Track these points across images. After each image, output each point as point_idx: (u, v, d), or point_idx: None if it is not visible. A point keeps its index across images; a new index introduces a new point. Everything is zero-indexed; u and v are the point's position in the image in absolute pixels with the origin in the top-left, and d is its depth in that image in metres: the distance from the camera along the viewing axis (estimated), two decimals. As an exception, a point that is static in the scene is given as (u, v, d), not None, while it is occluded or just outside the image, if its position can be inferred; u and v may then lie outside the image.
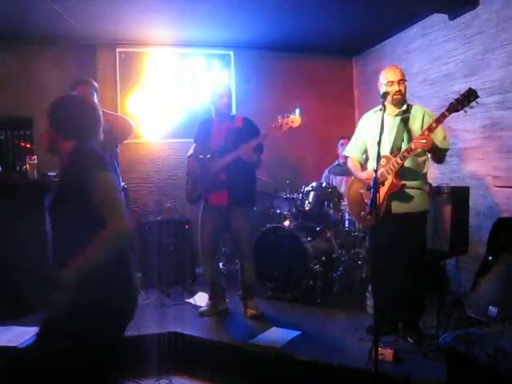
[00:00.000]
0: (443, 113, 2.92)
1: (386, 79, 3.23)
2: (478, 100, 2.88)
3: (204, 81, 5.80)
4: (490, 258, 3.43)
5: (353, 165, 3.53)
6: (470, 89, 2.87)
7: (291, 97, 5.97)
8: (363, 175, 3.32)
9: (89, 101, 2.28)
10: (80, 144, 2.05)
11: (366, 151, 3.49)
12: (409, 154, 3.06)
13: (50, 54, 5.28)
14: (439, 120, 2.95)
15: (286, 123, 3.49)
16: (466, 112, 2.90)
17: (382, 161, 3.15)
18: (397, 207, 3.20)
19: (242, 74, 5.94)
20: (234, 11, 4.66)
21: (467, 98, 2.85)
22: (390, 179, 3.14)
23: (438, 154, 3.17)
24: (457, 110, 2.89)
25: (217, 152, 3.79)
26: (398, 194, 3.16)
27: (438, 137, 3.10)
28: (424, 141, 2.95)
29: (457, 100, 2.87)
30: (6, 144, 4.71)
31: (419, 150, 3.04)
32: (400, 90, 3.20)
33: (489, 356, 2.14)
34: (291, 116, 3.49)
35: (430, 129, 2.98)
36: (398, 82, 3.20)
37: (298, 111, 3.49)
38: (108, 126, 3.40)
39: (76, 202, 1.87)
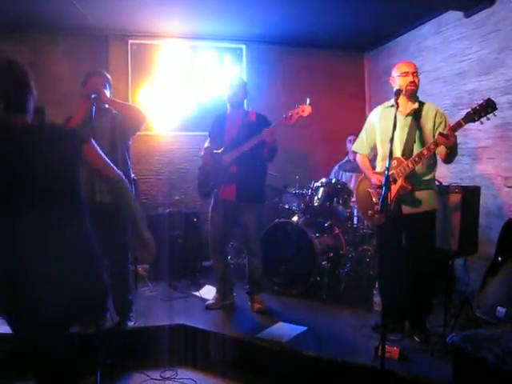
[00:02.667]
0: (459, 122, 2.87)
1: (399, 71, 3.18)
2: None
3: (215, 74, 5.80)
4: (500, 258, 3.41)
5: (362, 163, 3.50)
6: (488, 99, 2.80)
7: (303, 92, 5.92)
8: (373, 180, 3.29)
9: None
10: None
11: (374, 147, 3.47)
12: (421, 159, 3.04)
13: (63, 45, 5.29)
14: (454, 128, 2.90)
15: (297, 113, 3.49)
16: (481, 123, 2.85)
17: (393, 162, 3.13)
18: (405, 207, 3.18)
19: (254, 68, 5.93)
20: (247, 4, 4.65)
21: (484, 109, 2.78)
22: (399, 182, 3.11)
23: (454, 153, 3.11)
24: (473, 120, 2.84)
25: (228, 145, 3.80)
26: (406, 194, 3.15)
27: None
28: (446, 138, 2.89)
29: (474, 110, 2.82)
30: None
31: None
32: (414, 81, 3.15)
33: (496, 357, 2.12)
34: (301, 106, 3.50)
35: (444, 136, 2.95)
36: (413, 74, 3.16)
37: (308, 100, 3.49)
38: (121, 116, 3.42)
39: None
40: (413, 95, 3.21)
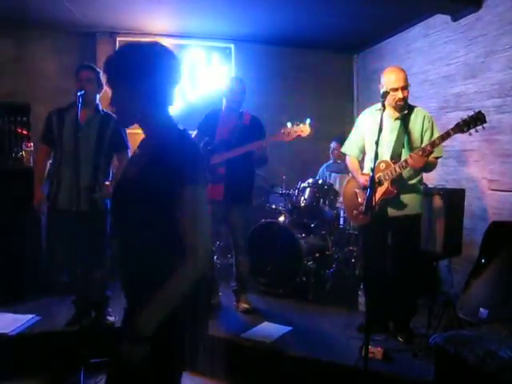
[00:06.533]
0: (448, 131, 2.91)
1: (389, 84, 3.15)
2: (478, 104, 2.88)
3: (204, 73, 5.78)
4: (483, 260, 3.45)
5: (352, 164, 3.51)
6: (479, 112, 2.82)
7: (291, 92, 5.98)
8: (361, 180, 3.32)
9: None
10: (164, 118, 1.58)
11: (363, 149, 3.48)
12: (408, 164, 3.08)
13: (50, 41, 5.24)
14: (443, 137, 2.94)
15: (296, 131, 3.49)
16: (470, 135, 2.87)
17: (381, 165, 3.16)
18: (391, 210, 3.21)
19: (243, 67, 5.91)
20: (236, 4, 4.64)
21: (474, 121, 2.80)
22: (385, 185, 3.14)
23: (427, 169, 3.21)
24: (462, 131, 2.86)
25: (218, 145, 3.79)
26: (392, 197, 3.18)
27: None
28: (418, 160, 2.97)
29: (464, 121, 2.84)
30: (3, 130, 4.70)
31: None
32: (404, 97, 3.16)
33: (477, 358, 2.15)
34: (301, 125, 3.49)
35: (433, 145, 2.98)
36: (402, 89, 3.13)
37: (308, 121, 3.48)
38: (113, 126, 3.40)
39: (156, 212, 1.47)
40: (402, 108, 3.22)
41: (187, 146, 1.54)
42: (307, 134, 3.50)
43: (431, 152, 3.00)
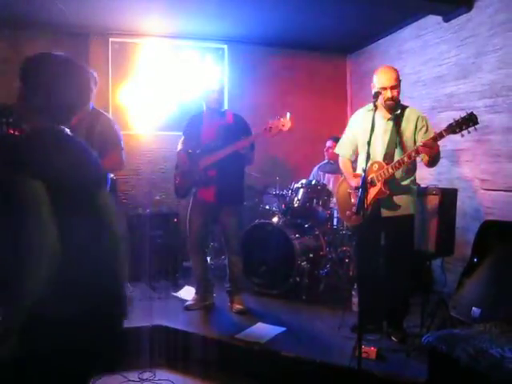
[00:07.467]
0: (441, 133, 2.90)
1: (379, 83, 3.16)
2: (469, 104, 2.88)
3: (197, 74, 5.78)
4: (475, 259, 3.47)
5: (344, 166, 3.51)
6: (471, 113, 2.82)
7: (284, 93, 5.99)
8: (352, 182, 3.32)
9: (79, 67, 1.64)
10: (42, 125, 1.48)
11: (356, 150, 3.48)
12: (401, 165, 3.06)
13: (42, 41, 5.20)
14: (435, 138, 2.93)
15: (277, 126, 3.48)
16: (462, 136, 2.88)
17: (374, 166, 3.16)
18: (384, 211, 3.21)
19: (236, 68, 5.92)
20: (229, 4, 4.64)
21: (466, 122, 2.80)
22: (378, 186, 3.15)
23: (436, 160, 3.16)
24: (454, 132, 2.85)
25: (206, 148, 3.79)
26: (385, 198, 3.18)
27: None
28: (429, 148, 2.92)
29: (456, 122, 2.83)
30: (-5, 131, 4.68)
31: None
32: (393, 97, 3.14)
33: (470, 357, 2.16)
34: (281, 119, 3.48)
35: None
36: (391, 88, 3.12)
37: (288, 115, 3.47)
38: (100, 129, 3.35)
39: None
40: (392, 108, 3.22)
41: (24, 138, 1.40)
42: (288, 127, 3.48)
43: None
